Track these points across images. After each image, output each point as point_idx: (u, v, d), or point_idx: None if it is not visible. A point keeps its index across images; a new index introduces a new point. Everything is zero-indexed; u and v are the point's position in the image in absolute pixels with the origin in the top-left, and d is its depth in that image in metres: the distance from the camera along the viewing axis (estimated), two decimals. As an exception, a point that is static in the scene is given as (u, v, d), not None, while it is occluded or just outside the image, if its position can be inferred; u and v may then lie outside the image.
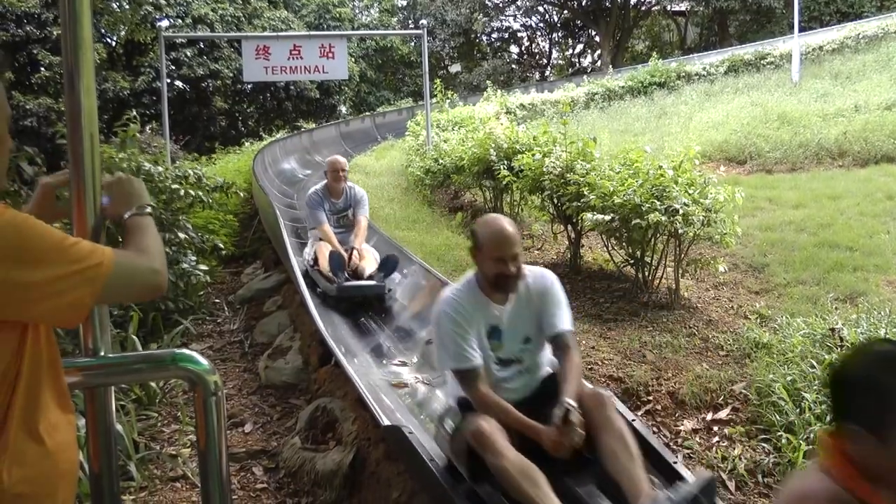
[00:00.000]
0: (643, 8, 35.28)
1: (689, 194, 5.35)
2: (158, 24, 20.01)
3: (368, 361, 4.56)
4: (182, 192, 5.87)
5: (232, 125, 29.00)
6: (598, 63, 35.52)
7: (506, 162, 7.83)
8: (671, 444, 3.52)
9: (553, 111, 19.23)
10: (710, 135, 12.71)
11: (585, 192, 5.90)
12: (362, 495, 3.21)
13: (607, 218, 5.46)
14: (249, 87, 28.11)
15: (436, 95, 14.82)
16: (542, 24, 38.70)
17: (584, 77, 25.94)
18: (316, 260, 5.72)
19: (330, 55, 11.33)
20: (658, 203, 5.24)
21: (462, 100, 20.57)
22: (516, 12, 37.00)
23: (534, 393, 2.75)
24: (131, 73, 24.42)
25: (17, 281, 1.20)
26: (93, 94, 1.41)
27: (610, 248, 6.10)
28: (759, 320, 5.08)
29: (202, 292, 6.40)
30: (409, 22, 34.61)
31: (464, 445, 2.49)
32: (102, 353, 1.57)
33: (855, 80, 16.47)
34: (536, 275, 2.77)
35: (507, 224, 2.62)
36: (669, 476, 2.46)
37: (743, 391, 3.92)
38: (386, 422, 3.05)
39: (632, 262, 5.82)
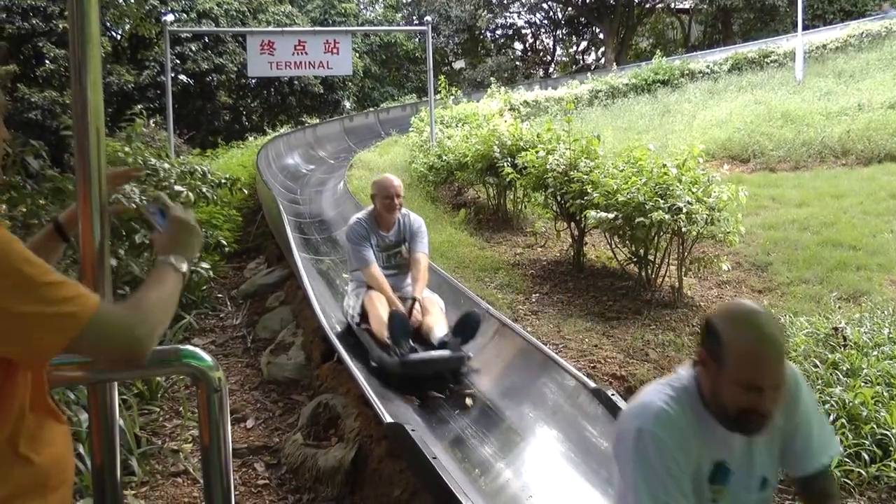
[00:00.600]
0: (647, 5, 35.16)
1: (693, 193, 5.35)
2: (163, 18, 20.07)
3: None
4: (186, 194, 5.82)
5: (236, 120, 29.04)
6: (602, 60, 35.48)
7: (509, 159, 7.83)
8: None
9: (557, 108, 19.22)
10: (714, 133, 12.68)
11: (589, 190, 5.90)
12: (364, 492, 3.21)
13: (611, 216, 5.46)
14: (254, 81, 28.19)
15: (440, 91, 14.80)
16: (546, 21, 38.63)
17: (588, 74, 25.86)
18: (363, 316, 4.32)
19: (334, 51, 11.30)
20: (662, 201, 5.24)
21: (466, 96, 20.53)
22: (520, 9, 36.93)
23: None
24: (136, 67, 24.46)
25: None
26: (100, 89, 1.41)
27: (613, 246, 6.10)
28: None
29: (205, 287, 6.42)
30: (414, 18, 34.63)
31: None
32: (106, 349, 1.55)
33: (858, 79, 16.42)
34: None
35: (776, 330, 1.66)
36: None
37: (745, 390, 3.90)
38: (388, 419, 3.05)
39: (635, 260, 5.82)
